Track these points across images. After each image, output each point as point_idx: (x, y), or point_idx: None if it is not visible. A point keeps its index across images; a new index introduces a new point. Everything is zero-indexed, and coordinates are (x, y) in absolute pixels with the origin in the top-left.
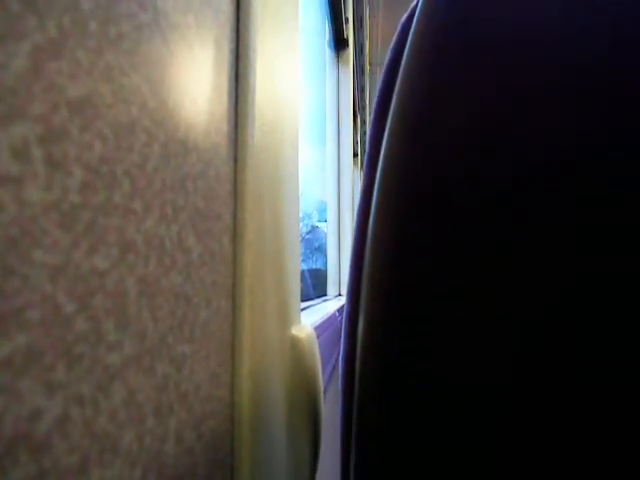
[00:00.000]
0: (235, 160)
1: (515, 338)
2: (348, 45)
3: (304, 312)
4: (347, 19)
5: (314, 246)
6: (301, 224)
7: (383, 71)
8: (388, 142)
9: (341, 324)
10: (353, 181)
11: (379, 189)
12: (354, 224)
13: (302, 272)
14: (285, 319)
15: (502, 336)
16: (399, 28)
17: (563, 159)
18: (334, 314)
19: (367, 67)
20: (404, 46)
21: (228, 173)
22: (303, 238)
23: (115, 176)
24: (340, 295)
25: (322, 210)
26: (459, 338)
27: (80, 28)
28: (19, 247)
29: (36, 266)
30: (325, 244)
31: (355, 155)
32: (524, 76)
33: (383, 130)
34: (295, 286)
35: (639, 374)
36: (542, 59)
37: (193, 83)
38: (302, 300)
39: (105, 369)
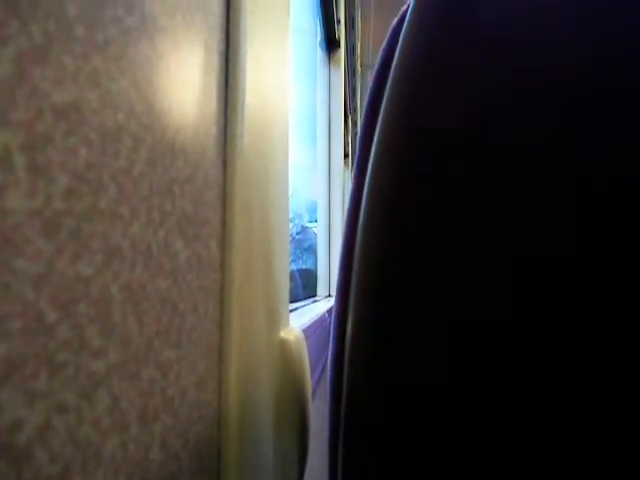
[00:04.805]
0: (224, 163)
1: (503, 337)
2: (340, 46)
3: (293, 313)
4: (339, 20)
5: (304, 246)
6: (291, 224)
7: (374, 74)
8: (378, 145)
9: (330, 325)
10: (344, 182)
11: (369, 191)
12: (344, 225)
13: (292, 272)
14: (273, 322)
15: (491, 336)
16: (390, 32)
17: (551, 160)
18: (324, 315)
19: (358, 69)
20: (395, 49)
21: (217, 176)
22: (293, 238)
23: (101, 182)
24: (330, 296)
25: (312, 210)
26: (448, 339)
27: (66, 33)
28: (0, 256)
29: (18, 275)
30: (315, 244)
31: (346, 156)
32: (510, 79)
33: (373, 132)
34: (284, 289)
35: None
36: (529, 62)
37: (182, 86)
38: (292, 301)
39: (89, 376)
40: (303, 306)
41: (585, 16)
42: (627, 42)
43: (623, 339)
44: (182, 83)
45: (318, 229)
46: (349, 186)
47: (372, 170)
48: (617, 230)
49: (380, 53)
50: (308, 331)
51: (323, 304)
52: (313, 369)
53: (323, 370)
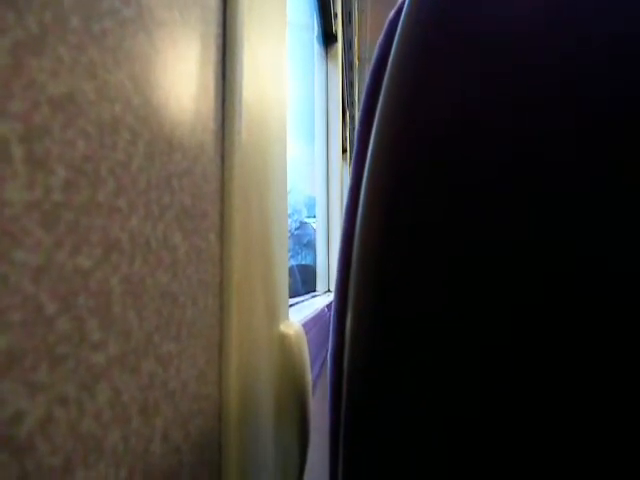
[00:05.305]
0: (222, 157)
1: (502, 332)
2: (337, 40)
3: (293, 308)
4: (336, 14)
5: (303, 242)
6: (290, 220)
7: (371, 66)
8: (376, 138)
9: (330, 320)
10: (342, 177)
11: (367, 184)
12: (343, 220)
13: (291, 268)
14: (273, 316)
15: (490, 327)
16: (386, 24)
17: (550, 152)
18: (323, 310)
19: (356, 62)
20: (392, 42)
21: (215, 170)
22: (292, 234)
23: (99, 174)
24: (329, 291)
25: (311, 206)
26: (447, 332)
27: (62, 24)
28: None
29: (17, 267)
30: (314, 240)
31: (344, 151)
32: (506, 69)
33: (371, 126)
34: (283, 283)
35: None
36: (524, 54)
37: (179, 80)
38: (291, 296)
39: (89, 369)
40: (302, 301)
41: (584, 16)
42: (628, 42)
43: (621, 339)
44: (179, 77)
45: (317, 224)
46: (347, 181)
47: (370, 163)
48: (615, 230)
49: (377, 45)
50: (308, 325)
51: (322, 299)
52: (313, 363)
53: (323, 364)
